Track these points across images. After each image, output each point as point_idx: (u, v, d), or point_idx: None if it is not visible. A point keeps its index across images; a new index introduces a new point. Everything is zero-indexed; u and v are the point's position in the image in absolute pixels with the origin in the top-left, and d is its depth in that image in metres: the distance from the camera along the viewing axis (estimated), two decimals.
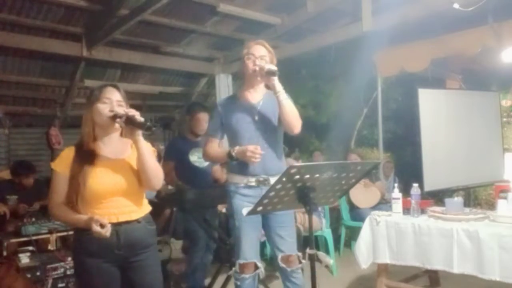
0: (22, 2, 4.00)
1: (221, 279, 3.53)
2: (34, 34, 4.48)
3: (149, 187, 1.93)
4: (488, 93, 5.04)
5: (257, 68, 2.34)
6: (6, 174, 4.77)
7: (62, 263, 3.15)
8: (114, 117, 1.84)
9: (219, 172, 3.87)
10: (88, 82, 5.76)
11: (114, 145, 1.93)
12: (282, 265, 2.45)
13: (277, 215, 2.43)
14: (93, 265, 1.84)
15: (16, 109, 5.90)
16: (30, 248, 3.20)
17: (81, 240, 1.86)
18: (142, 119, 1.79)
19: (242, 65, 2.50)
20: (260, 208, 1.88)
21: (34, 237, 3.20)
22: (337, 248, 4.76)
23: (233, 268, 2.47)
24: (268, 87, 2.46)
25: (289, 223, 2.51)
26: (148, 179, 1.87)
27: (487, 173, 4.50)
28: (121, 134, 1.96)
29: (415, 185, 2.89)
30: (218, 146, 2.55)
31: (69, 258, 3.19)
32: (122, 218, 1.86)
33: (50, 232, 3.26)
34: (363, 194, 4.76)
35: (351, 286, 3.84)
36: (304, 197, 1.79)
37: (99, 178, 1.83)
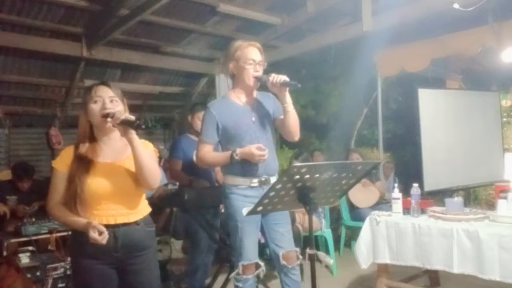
0: (22, 2, 3.99)
1: (221, 279, 3.54)
2: (34, 34, 4.48)
3: (146, 187, 1.90)
4: (488, 93, 5.04)
5: (272, 79, 2.29)
6: (6, 174, 4.77)
7: (62, 263, 3.15)
8: (105, 116, 1.81)
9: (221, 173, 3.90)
10: (88, 82, 5.74)
11: (114, 145, 1.91)
12: (283, 262, 2.46)
13: (269, 214, 2.44)
14: (89, 266, 1.83)
15: (16, 109, 5.89)
16: (30, 248, 3.19)
17: (78, 242, 1.83)
18: (131, 118, 1.75)
19: (233, 66, 2.46)
20: (260, 208, 1.89)
21: (34, 237, 3.20)
22: (337, 248, 4.76)
23: (235, 270, 2.44)
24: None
25: (285, 220, 2.52)
26: (144, 178, 1.84)
27: (487, 173, 4.50)
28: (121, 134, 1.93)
29: (415, 185, 2.89)
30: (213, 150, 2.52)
31: (69, 258, 3.20)
32: (120, 220, 1.83)
33: (50, 232, 3.26)
34: (361, 194, 4.76)
35: (351, 286, 3.84)
36: (304, 197, 1.79)
37: (97, 181, 1.81)
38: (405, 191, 3.16)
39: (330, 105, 7.83)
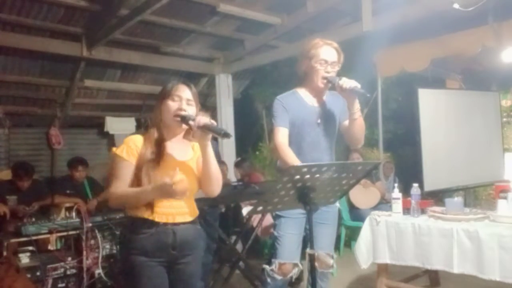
0: (22, 2, 4.00)
1: (221, 279, 3.54)
2: (34, 34, 4.48)
3: (209, 192, 1.90)
4: (488, 93, 5.04)
5: (342, 83, 2.20)
6: (6, 174, 4.77)
7: (62, 263, 3.15)
8: (184, 119, 1.78)
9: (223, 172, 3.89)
10: (88, 82, 5.75)
11: (177, 145, 1.89)
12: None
13: (321, 211, 2.35)
14: (145, 265, 1.79)
15: (16, 109, 5.88)
16: (30, 248, 3.19)
17: (135, 239, 1.80)
18: (215, 124, 1.74)
19: (305, 64, 2.40)
20: (260, 208, 1.89)
21: (34, 237, 3.19)
22: (337, 248, 4.76)
23: (271, 266, 2.37)
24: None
25: (332, 221, 2.45)
26: (210, 184, 1.85)
27: (487, 173, 4.50)
28: (183, 136, 1.90)
29: (415, 185, 2.89)
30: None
31: (69, 258, 3.21)
32: (179, 219, 1.83)
33: (50, 232, 3.25)
34: (362, 195, 4.76)
35: (351, 286, 3.84)
36: (304, 197, 1.79)
37: (166, 175, 1.76)
38: (405, 191, 3.16)
39: None
